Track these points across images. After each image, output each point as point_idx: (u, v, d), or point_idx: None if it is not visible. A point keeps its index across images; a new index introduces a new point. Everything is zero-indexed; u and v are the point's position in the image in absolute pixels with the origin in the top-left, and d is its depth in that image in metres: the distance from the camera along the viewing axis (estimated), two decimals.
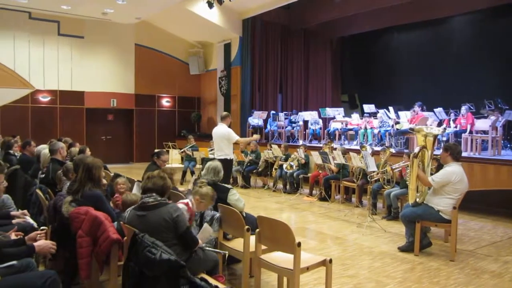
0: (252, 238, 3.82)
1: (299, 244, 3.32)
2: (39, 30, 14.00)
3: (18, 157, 7.41)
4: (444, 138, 9.18)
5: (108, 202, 4.21)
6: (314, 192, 9.45)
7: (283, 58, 15.36)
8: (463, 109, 9.21)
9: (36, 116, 14.11)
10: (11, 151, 7.59)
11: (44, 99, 14.27)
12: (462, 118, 9.20)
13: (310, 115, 12.82)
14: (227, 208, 4.12)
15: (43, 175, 5.58)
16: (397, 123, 10.07)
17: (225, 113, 8.10)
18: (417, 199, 5.41)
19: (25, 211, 4.40)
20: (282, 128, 13.30)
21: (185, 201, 3.87)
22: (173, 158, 12.27)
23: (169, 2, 12.84)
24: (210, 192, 3.91)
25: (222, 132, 7.53)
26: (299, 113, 13.35)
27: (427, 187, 5.38)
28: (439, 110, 9.95)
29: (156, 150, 6.45)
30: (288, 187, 10.00)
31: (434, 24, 13.45)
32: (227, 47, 15.39)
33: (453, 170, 5.15)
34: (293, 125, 13.25)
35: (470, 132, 8.90)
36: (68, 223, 3.74)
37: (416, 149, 5.43)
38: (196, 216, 4.18)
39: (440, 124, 9.75)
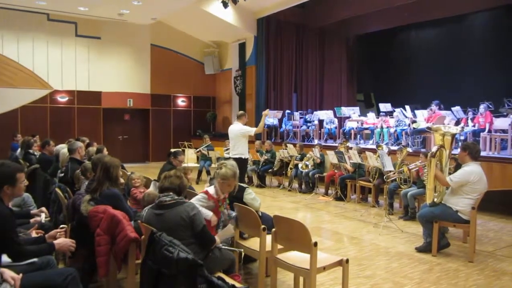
0: (268, 238, 3.82)
1: (315, 244, 3.31)
2: (57, 31, 14.22)
3: (37, 156, 7.55)
4: (462, 137, 9.04)
5: (126, 201, 4.26)
6: (329, 191, 9.42)
7: (298, 57, 15.32)
8: (482, 107, 9.05)
9: (54, 116, 14.33)
10: (31, 151, 7.74)
11: (62, 99, 14.49)
12: (480, 117, 9.05)
13: (325, 114, 12.76)
14: (243, 208, 4.13)
15: (62, 174, 5.67)
16: (414, 122, 9.96)
17: (241, 112, 8.12)
18: (435, 199, 5.34)
19: (43, 208, 4.47)
20: (297, 127, 13.26)
21: (204, 190, 3.92)
22: (189, 158, 12.34)
23: (184, 2, 12.91)
24: (229, 171, 3.92)
25: (238, 130, 7.55)
26: (314, 112, 13.30)
27: (445, 187, 5.31)
28: (456, 108, 9.81)
29: (173, 150, 6.50)
30: (303, 186, 9.97)
31: (452, 21, 13.25)
32: (242, 47, 15.41)
33: (471, 169, 5.07)
34: (308, 124, 13.21)
35: (489, 131, 8.75)
36: (87, 221, 3.80)
37: (434, 149, 5.36)
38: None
39: (457, 123, 9.62)
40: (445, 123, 9.02)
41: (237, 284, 3.05)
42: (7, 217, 2.87)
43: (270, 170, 10.66)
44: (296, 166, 10.09)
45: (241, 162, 7.25)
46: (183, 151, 8.82)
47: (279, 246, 3.77)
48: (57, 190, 4.85)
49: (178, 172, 3.47)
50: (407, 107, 10.62)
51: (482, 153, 7.18)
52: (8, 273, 2.51)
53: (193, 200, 3.81)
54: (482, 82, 12.06)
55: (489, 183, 5.52)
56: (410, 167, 7.00)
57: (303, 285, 3.73)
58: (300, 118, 13.47)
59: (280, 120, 13.81)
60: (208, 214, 3.77)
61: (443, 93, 12.24)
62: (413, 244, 5.64)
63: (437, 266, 4.90)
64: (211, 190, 3.94)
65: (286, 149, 10.34)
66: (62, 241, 3.19)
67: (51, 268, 3.08)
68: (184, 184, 3.44)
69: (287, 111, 13.86)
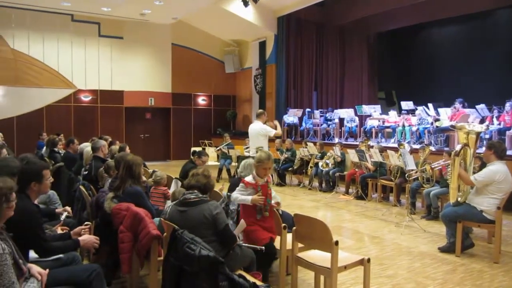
0: (289, 236, 3.83)
1: (336, 243, 3.29)
2: (81, 31, 14.49)
3: (62, 154, 7.71)
4: (487, 136, 8.85)
5: (148, 199, 4.32)
6: (350, 190, 9.34)
7: (318, 55, 15.24)
8: (508, 105, 8.85)
9: (78, 115, 14.62)
10: (56, 149, 7.92)
11: (85, 98, 14.76)
12: (506, 115, 8.85)
13: (346, 113, 12.67)
14: None
15: (86, 172, 5.78)
16: (437, 120, 9.80)
17: (260, 110, 8.13)
18: (459, 199, 5.25)
19: (67, 207, 4.57)
20: (318, 126, 13.20)
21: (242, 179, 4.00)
22: (209, 156, 12.41)
23: (205, 2, 12.99)
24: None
25: (258, 129, 7.58)
26: (335, 111, 13.21)
27: (469, 187, 5.21)
28: (481, 106, 9.60)
29: (196, 149, 6.52)
30: (323, 185, 9.92)
31: (476, 17, 12.98)
32: (262, 45, 15.41)
33: (497, 169, 4.97)
34: (329, 122, 13.13)
35: None
36: (110, 218, 3.86)
37: (458, 147, 5.26)
38: (232, 214, 4.22)
39: (482, 121, 9.42)
40: (469, 121, 8.84)
41: (258, 282, 3.06)
42: (34, 214, 2.95)
43: (290, 169, 10.65)
44: (316, 164, 10.04)
45: None
46: (204, 149, 8.89)
47: (300, 245, 3.77)
48: (81, 187, 4.95)
49: (206, 172, 3.50)
50: (430, 105, 10.45)
51: (508, 152, 7.01)
52: (35, 269, 2.57)
53: (234, 193, 3.92)
54: (508, 80, 11.76)
55: None
56: (433, 166, 6.89)
57: (324, 284, 3.72)
58: (321, 116, 13.40)
59: (300, 119, 13.77)
60: (247, 198, 3.81)
61: (467, 90, 11.97)
62: (436, 244, 5.56)
63: (461, 266, 4.82)
64: (248, 178, 3.98)
65: (306, 147, 10.30)
66: (87, 237, 3.26)
67: (76, 264, 3.16)
68: (211, 184, 3.47)
69: (307, 109, 13.81)
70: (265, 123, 7.73)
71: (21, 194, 2.89)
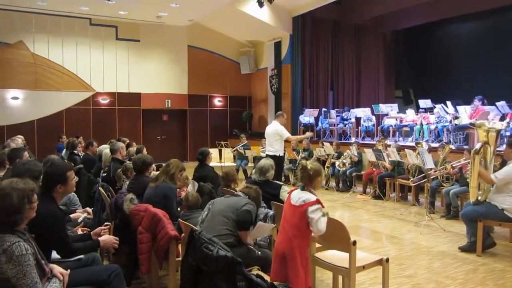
0: None
1: (354, 243, 3.28)
2: (99, 35, 14.69)
3: (81, 156, 7.83)
4: (508, 133, 8.68)
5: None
6: (367, 190, 9.27)
7: (334, 54, 15.15)
8: None
9: (96, 117, 14.82)
10: (75, 151, 8.04)
11: (103, 101, 14.96)
12: None
13: (362, 112, 12.58)
14: (280, 206, 4.13)
15: (105, 174, 5.85)
16: (456, 118, 9.65)
17: (279, 112, 8.27)
18: (479, 197, 5.17)
19: (88, 208, 4.64)
20: (334, 125, 13.13)
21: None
22: (225, 157, 12.47)
23: (220, 3, 13.04)
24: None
25: (274, 129, 7.66)
26: (351, 110, 13.12)
27: (490, 185, 5.13)
28: (501, 103, 9.41)
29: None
30: (340, 185, 9.87)
31: (495, 13, 12.73)
32: (278, 46, 15.40)
33: None
34: (345, 122, 13.05)
35: None
36: (129, 220, 3.91)
37: (478, 145, 5.18)
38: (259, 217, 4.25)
39: (502, 118, 9.24)
40: (489, 118, 8.69)
41: (275, 283, 3.07)
42: (59, 217, 3.02)
43: None
44: (333, 164, 10.00)
45: (277, 160, 7.28)
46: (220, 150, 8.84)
47: (317, 245, 3.76)
48: (100, 189, 5.02)
49: (258, 189, 3.84)
50: (448, 103, 10.30)
51: None
52: (57, 269, 2.62)
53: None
54: None
55: None
56: (453, 165, 6.79)
57: (342, 284, 3.70)
58: (337, 116, 13.33)
59: (317, 119, 13.71)
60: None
61: (486, 87, 11.77)
62: (456, 243, 5.48)
63: (482, 266, 4.74)
64: (311, 195, 3.25)
65: (323, 147, 10.26)
66: (107, 238, 3.31)
67: (96, 265, 3.21)
68: (259, 201, 3.80)
69: (324, 109, 13.74)
70: (284, 123, 7.80)
71: (46, 197, 2.95)
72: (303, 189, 3.21)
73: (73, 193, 5.08)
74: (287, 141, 8.14)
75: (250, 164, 11.30)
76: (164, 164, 4.62)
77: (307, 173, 3.21)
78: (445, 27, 14.76)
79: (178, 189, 4.76)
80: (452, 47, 14.48)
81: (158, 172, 4.58)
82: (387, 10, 13.30)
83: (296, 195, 3.20)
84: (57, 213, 3.01)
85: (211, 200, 3.73)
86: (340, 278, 3.76)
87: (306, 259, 3.15)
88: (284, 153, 8.51)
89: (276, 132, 7.61)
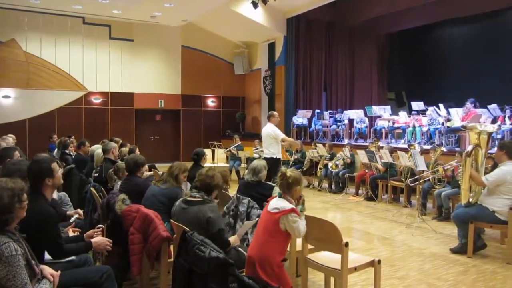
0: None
1: (346, 244, 3.28)
2: (92, 34, 14.62)
3: (73, 156, 7.78)
4: (499, 136, 8.76)
5: None
6: (360, 191, 9.31)
7: (328, 56, 15.18)
8: None
9: (89, 117, 14.73)
10: (67, 151, 7.99)
11: (96, 100, 14.88)
12: None
13: (355, 114, 12.62)
14: None
15: (97, 174, 5.82)
16: (448, 120, 9.71)
17: (270, 112, 8.10)
18: (470, 199, 5.21)
19: (79, 210, 4.60)
20: (327, 127, 13.16)
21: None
22: (218, 158, 12.46)
23: (215, 4, 13.02)
24: (297, 174, 3.26)
25: (268, 131, 7.59)
26: (344, 112, 13.16)
27: (481, 187, 5.16)
28: (493, 106, 9.50)
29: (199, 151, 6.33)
30: (333, 186, 9.90)
31: (487, 17, 12.84)
32: (272, 47, 15.42)
33: (508, 169, 4.92)
34: (338, 123, 13.09)
35: None
36: (121, 220, 3.89)
37: (469, 148, 5.22)
38: (242, 215, 4.21)
39: (494, 121, 9.32)
40: (481, 121, 8.76)
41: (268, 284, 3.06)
42: (50, 215, 2.99)
43: (300, 170, 10.60)
44: (326, 166, 10.02)
45: (273, 162, 7.26)
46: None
47: (310, 246, 3.76)
48: (92, 189, 4.99)
49: (210, 172, 3.53)
50: (441, 105, 10.37)
51: None
52: (48, 270, 2.60)
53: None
54: None
55: None
56: (445, 167, 6.84)
57: (334, 285, 3.70)
58: (330, 117, 13.37)
59: (310, 120, 13.74)
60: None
61: (478, 90, 11.84)
62: (448, 245, 5.51)
63: (473, 268, 4.77)
64: (286, 203, 3.21)
65: (315, 148, 10.28)
66: (99, 240, 3.29)
67: (88, 266, 3.19)
68: (214, 184, 3.49)
69: (317, 110, 13.77)
70: (277, 124, 7.71)
71: (36, 194, 2.93)
72: (280, 197, 3.16)
73: (64, 193, 5.07)
74: (282, 140, 8.03)
75: (243, 165, 11.29)
76: (156, 165, 4.61)
77: (285, 180, 3.14)
78: (439, 30, 14.85)
79: None
80: (445, 50, 14.58)
81: (151, 172, 4.57)
82: (380, 12, 13.36)
83: (272, 203, 3.15)
84: (48, 210, 2.99)
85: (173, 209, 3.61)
86: (332, 279, 3.77)
87: (278, 266, 3.04)
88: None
89: (270, 135, 7.52)
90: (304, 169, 10.51)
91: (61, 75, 14.12)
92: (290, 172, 3.18)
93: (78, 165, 6.69)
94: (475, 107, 9.45)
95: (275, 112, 7.93)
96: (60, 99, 14.18)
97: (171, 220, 3.55)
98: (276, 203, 3.12)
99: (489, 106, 9.53)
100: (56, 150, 8.81)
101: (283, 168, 3.31)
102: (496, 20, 12.96)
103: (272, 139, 7.50)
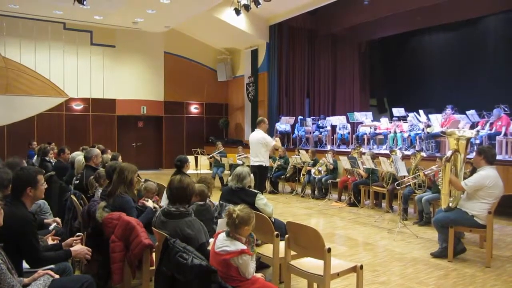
0: (282, 244, 3.82)
1: (329, 250, 3.30)
2: (73, 40, 14.46)
3: (53, 163, 7.65)
4: (477, 141, 8.93)
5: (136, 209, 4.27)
6: (343, 197, 9.37)
7: (310, 63, 15.32)
8: (495, 111, 8.96)
9: (70, 123, 14.53)
10: (47, 158, 7.86)
11: (77, 107, 14.69)
12: (498, 121, 8.93)
13: (338, 120, 12.73)
14: (256, 214, 4.12)
15: (77, 181, 5.74)
16: (428, 126, 9.87)
17: (259, 118, 7.82)
18: (450, 204, 5.29)
19: (57, 218, 4.52)
20: (310, 133, 13.24)
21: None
22: (202, 164, 12.40)
23: (197, 10, 13.02)
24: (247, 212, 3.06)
25: (258, 138, 7.34)
26: (327, 118, 13.27)
27: (461, 192, 5.25)
28: (471, 112, 9.71)
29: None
30: (316, 192, 9.94)
31: (466, 25, 13.12)
32: (254, 53, 15.48)
33: (487, 174, 5.01)
34: (321, 130, 13.18)
35: (505, 134, 8.64)
36: (102, 228, 3.84)
37: (449, 153, 5.31)
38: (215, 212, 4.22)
39: (472, 126, 9.51)
40: (460, 127, 8.93)
41: None
42: (29, 221, 2.94)
43: (283, 176, 10.66)
44: (309, 172, 10.06)
45: (261, 170, 7.20)
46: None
47: (293, 253, 3.77)
48: (72, 197, 4.91)
49: (180, 183, 3.31)
50: (421, 111, 10.54)
51: (498, 157, 7.07)
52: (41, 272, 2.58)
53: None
54: (497, 86, 11.89)
55: (506, 187, 5.47)
56: (426, 172, 6.93)
57: None
58: (313, 124, 13.46)
59: (293, 126, 13.81)
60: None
61: (457, 97, 12.09)
62: (428, 249, 5.58)
63: (453, 271, 4.84)
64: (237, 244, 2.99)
65: (299, 155, 10.32)
66: (79, 248, 3.24)
67: (67, 275, 3.13)
68: (189, 193, 3.33)
69: (300, 117, 13.85)
70: (266, 131, 7.53)
71: (16, 201, 2.88)
72: (228, 235, 2.95)
73: (44, 201, 4.96)
74: (275, 148, 7.90)
75: (226, 172, 11.26)
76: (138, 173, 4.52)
77: (232, 220, 2.93)
78: (419, 38, 15.11)
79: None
80: (425, 57, 14.84)
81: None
82: (362, 20, 13.53)
83: (219, 241, 2.96)
84: (28, 217, 2.94)
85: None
86: (315, 285, 3.78)
87: (252, 283, 2.90)
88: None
89: (260, 142, 7.25)
90: (288, 175, 10.55)
91: (41, 81, 13.91)
92: (238, 211, 2.95)
93: (58, 172, 6.57)
94: (454, 113, 9.63)
95: (265, 119, 7.67)
96: (40, 106, 13.95)
97: (153, 228, 3.52)
98: (224, 242, 2.93)
99: (467, 112, 9.73)
100: (35, 157, 8.66)
101: (231, 207, 3.09)
102: (474, 27, 13.26)
103: (262, 146, 7.27)
